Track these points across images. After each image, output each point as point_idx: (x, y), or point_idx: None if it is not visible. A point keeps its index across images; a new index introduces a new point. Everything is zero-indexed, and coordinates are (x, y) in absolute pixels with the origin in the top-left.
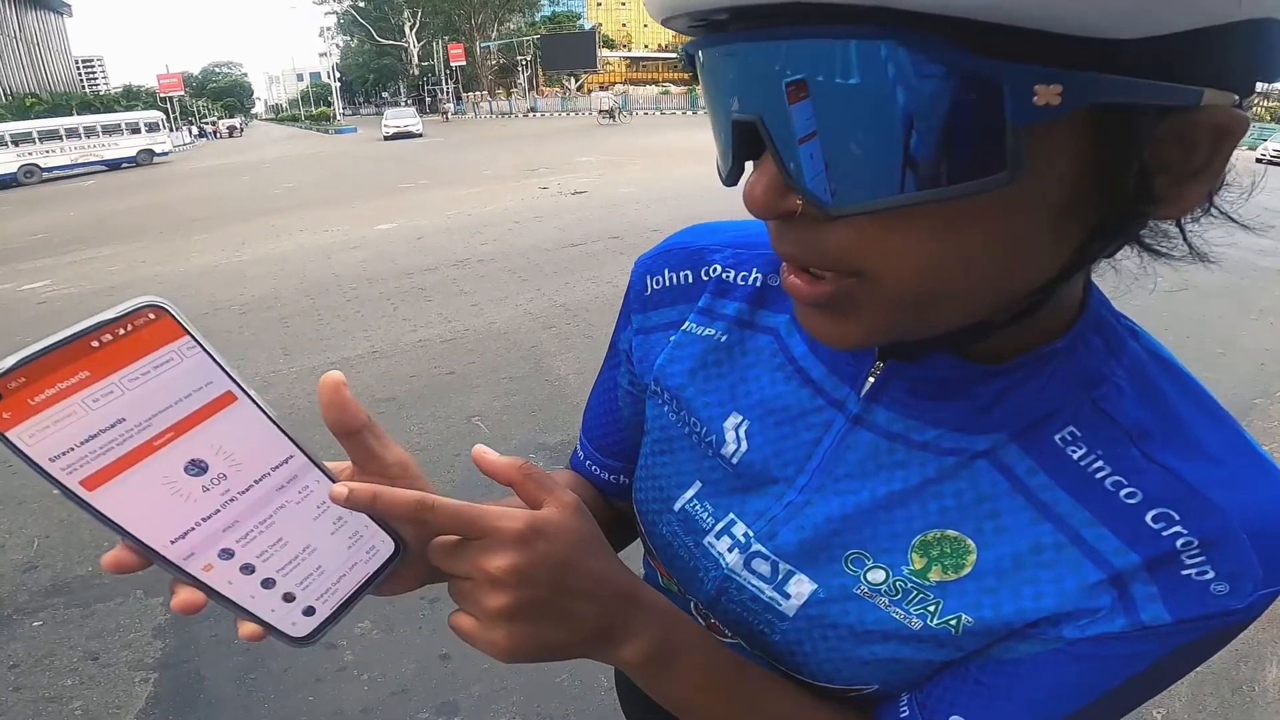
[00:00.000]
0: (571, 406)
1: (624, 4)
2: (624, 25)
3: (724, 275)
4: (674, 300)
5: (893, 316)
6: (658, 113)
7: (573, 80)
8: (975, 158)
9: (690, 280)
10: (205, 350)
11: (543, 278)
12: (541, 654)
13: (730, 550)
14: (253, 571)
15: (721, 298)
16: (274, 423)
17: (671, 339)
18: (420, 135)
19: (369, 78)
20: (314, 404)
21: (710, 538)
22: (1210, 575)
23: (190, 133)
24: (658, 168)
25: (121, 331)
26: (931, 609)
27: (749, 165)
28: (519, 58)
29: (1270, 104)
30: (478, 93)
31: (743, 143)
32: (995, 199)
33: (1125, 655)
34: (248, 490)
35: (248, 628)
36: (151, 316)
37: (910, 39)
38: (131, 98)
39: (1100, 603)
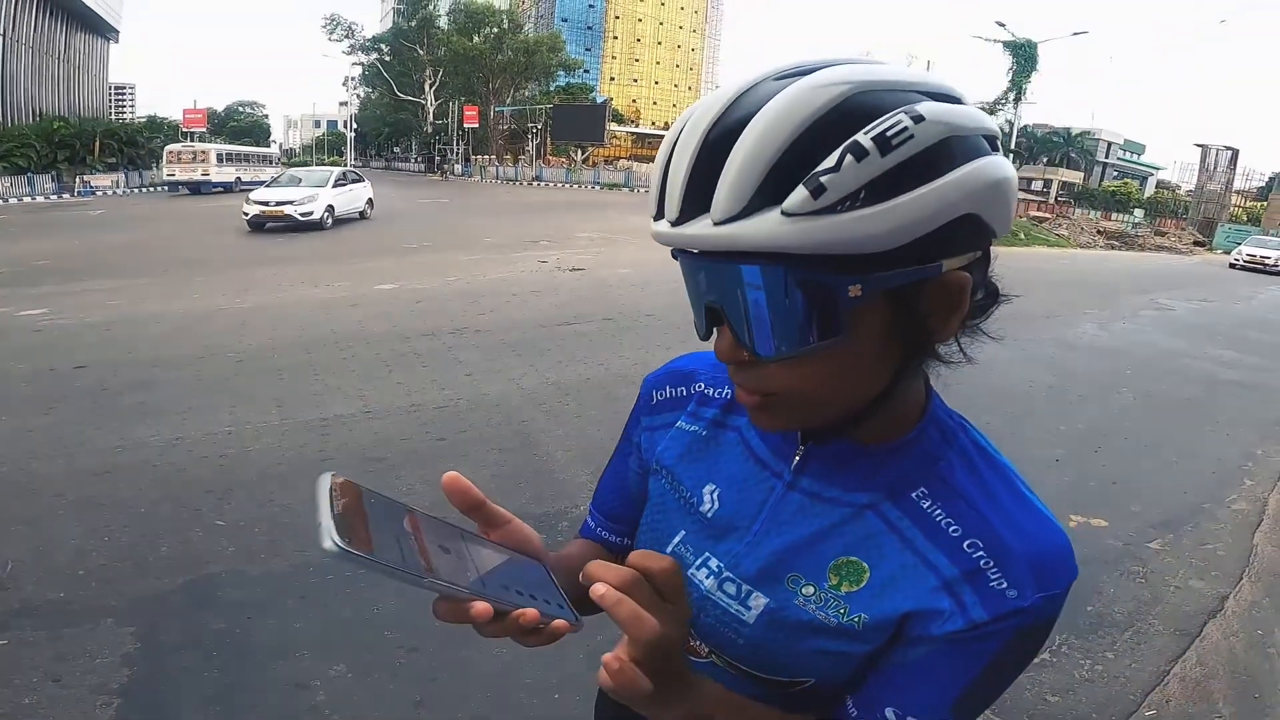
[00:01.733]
0: (558, 482)
1: (635, 81)
2: (634, 101)
3: (705, 390)
4: (671, 408)
5: (797, 413)
6: None
7: (579, 152)
8: (828, 328)
9: (684, 394)
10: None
11: (536, 354)
12: (634, 707)
13: (707, 578)
14: (488, 583)
15: (703, 406)
16: (438, 519)
17: (669, 434)
18: (319, 225)
19: (384, 131)
20: (301, 458)
21: (692, 570)
22: (1005, 585)
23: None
24: (653, 248)
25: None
26: (843, 611)
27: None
28: (530, 125)
29: (1248, 203)
30: (486, 156)
31: (710, 316)
32: (841, 348)
33: (975, 648)
34: (466, 553)
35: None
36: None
37: (788, 264)
38: (154, 129)
39: (942, 604)
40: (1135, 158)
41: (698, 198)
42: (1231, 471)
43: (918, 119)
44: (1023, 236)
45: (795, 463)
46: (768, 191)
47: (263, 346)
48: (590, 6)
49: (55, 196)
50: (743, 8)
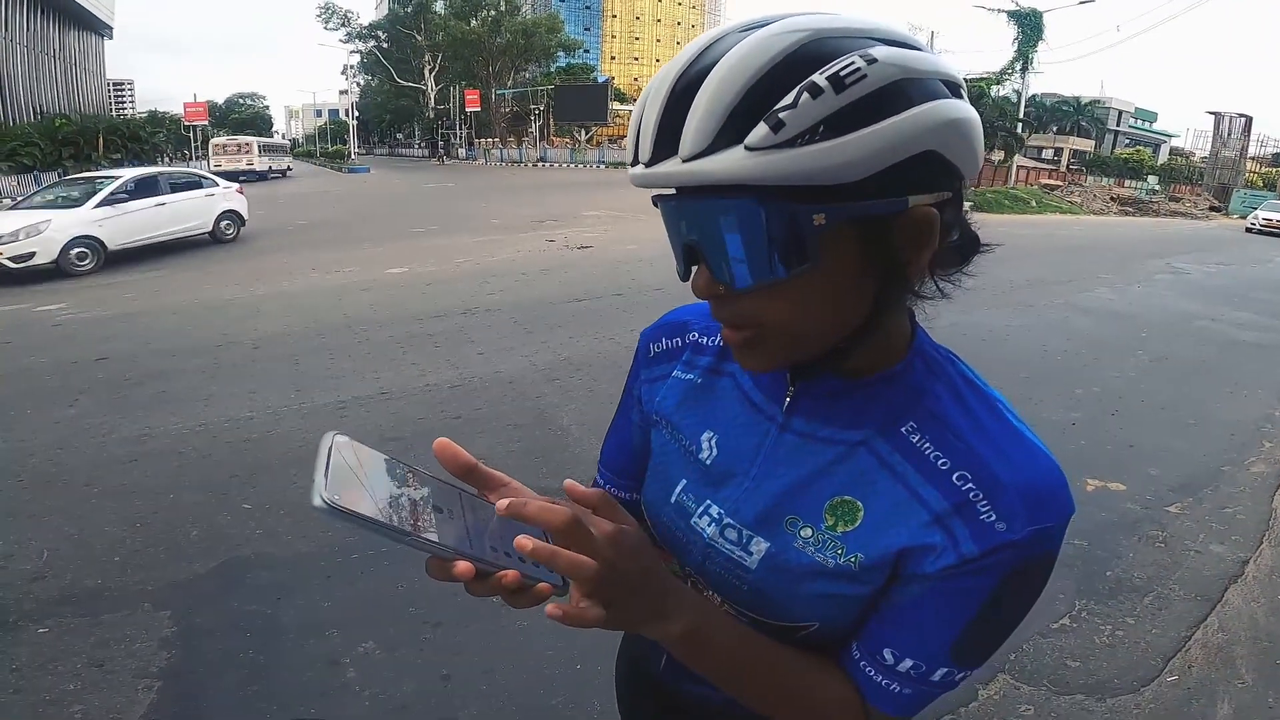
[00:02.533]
0: (573, 456)
1: (637, 59)
2: (635, 79)
3: (699, 339)
4: (668, 359)
5: (781, 348)
6: None
7: (582, 132)
8: (798, 255)
9: (679, 344)
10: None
11: (548, 330)
12: (616, 627)
13: (709, 526)
14: (473, 543)
15: (697, 354)
16: (440, 480)
17: (666, 384)
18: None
19: (385, 118)
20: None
21: (695, 519)
22: (994, 518)
23: (209, 163)
24: (660, 225)
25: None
26: (840, 551)
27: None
28: (532, 107)
29: (1263, 169)
30: (490, 139)
31: (689, 255)
32: (815, 276)
33: (969, 584)
34: (462, 514)
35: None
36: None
37: (755, 197)
38: (155, 124)
39: (934, 539)
40: (1148, 125)
41: (667, 140)
42: (1250, 434)
43: (870, 60)
44: (1034, 204)
45: (786, 404)
46: (731, 130)
47: (277, 333)
48: None
49: None
50: None
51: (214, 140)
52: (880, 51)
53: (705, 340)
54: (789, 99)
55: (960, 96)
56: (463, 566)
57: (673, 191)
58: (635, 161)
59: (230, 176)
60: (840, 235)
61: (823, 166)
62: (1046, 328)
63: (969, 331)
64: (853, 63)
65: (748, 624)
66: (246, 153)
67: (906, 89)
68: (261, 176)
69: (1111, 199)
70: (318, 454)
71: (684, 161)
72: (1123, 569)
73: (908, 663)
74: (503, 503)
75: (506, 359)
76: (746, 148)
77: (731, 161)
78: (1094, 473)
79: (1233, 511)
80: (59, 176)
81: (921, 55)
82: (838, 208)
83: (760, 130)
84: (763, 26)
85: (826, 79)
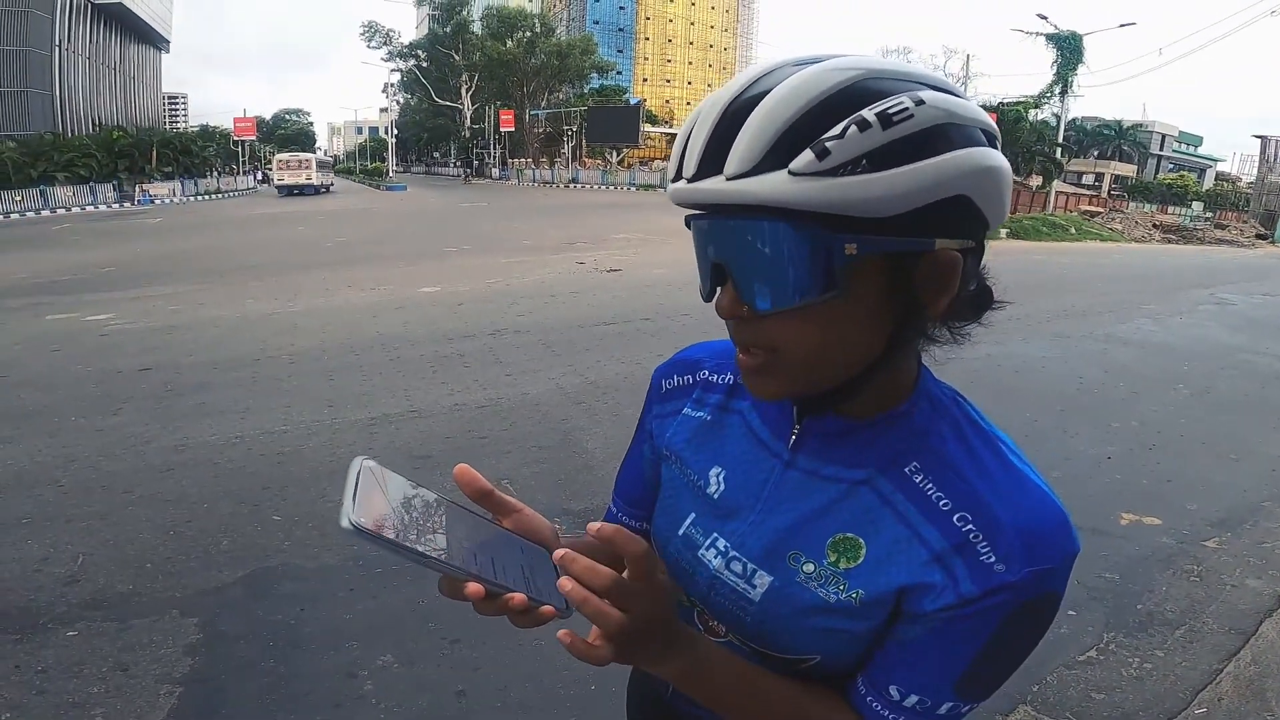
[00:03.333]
0: (597, 479)
1: (668, 82)
2: (667, 102)
3: (710, 377)
4: (679, 396)
5: (792, 376)
6: None
7: (614, 153)
8: (824, 283)
9: (690, 382)
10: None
11: (576, 353)
12: (626, 662)
13: (715, 558)
14: (483, 565)
15: (708, 392)
16: (458, 505)
17: (677, 421)
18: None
19: (423, 136)
20: (351, 456)
21: (702, 551)
22: (993, 559)
23: (255, 178)
24: (689, 249)
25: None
26: (842, 588)
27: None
28: (565, 128)
29: None
30: (522, 159)
31: (716, 274)
32: (837, 305)
33: (970, 625)
34: (478, 538)
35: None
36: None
37: (791, 221)
38: (207, 138)
39: (934, 578)
40: (1192, 150)
41: (714, 159)
42: None
43: (919, 102)
44: (1074, 231)
45: (792, 441)
46: (778, 154)
47: (313, 348)
48: (621, 8)
49: (116, 205)
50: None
51: (278, 156)
52: (928, 95)
53: (716, 378)
54: (837, 130)
55: (995, 146)
56: (473, 587)
57: (705, 212)
58: (678, 177)
59: (290, 189)
60: (868, 268)
61: (861, 198)
62: (1084, 359)
63: (1004, 363)
64: (902, 102)
65: (751, 655)
66: (306, 168)
67: (949, 133)
68: (316, 190)
69: (1154, 226)
70: (347, 477)
71: (728, 180)
72: (1154, 602)
73: (913, 698)
74: (558, 553)
75: (534, 381)
76: (790, 172)
77: (774, 184)
78: (1129, 506)
79: (1271, 546)
80: (114, 189)
81: (965, 103)
82: (870, 240)
83: (806, 156)
84: (817, 62)
85: (875, 115)
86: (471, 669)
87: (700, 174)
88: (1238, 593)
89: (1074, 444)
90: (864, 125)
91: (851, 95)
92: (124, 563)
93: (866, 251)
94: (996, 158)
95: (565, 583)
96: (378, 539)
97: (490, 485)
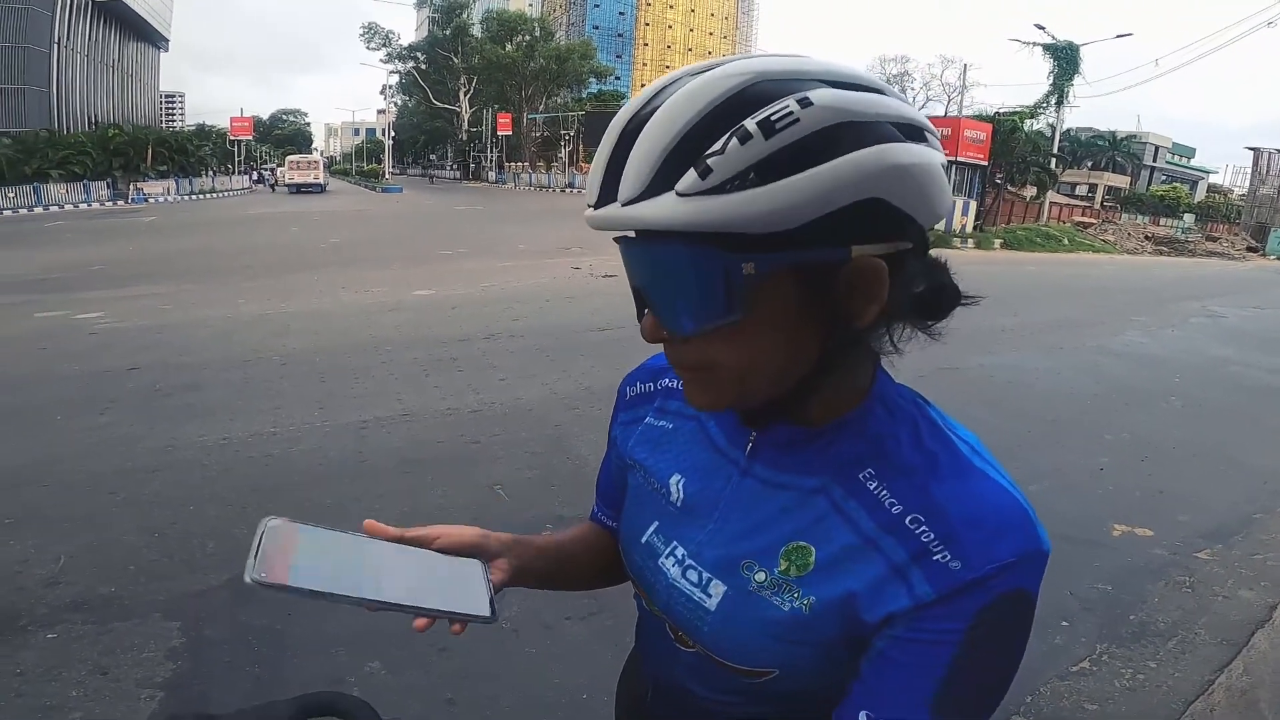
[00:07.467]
0: (588, 484)
1: None
2: None
3: (670, 384)
4: (642, 404)
5: (724, 389)
6: None
7: None
8: (728, 304)
9: (651, 389)
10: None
11: (570, 359)
12: None
13: (674, 566)
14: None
15: (668, 399)
16: (375, 540)
17: (640, 429)
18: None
19: (420, 139)
20: (345, 457)
21: (662, 559)
22: (949, 558)
23: (250, 178)
24: None
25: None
26: (794, 596)
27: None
28: (563, 132)
29: None
30: (519, 163)
31: (639, 299)
32: (754, 323)
33: (934, 635)
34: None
35: (420, 622)
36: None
37: (687, 243)
38: (203, 138)
39: (888, 585)
40: (1185, 161)
41: (612, 183)
42: None
43: (805, 104)
44: (1067, 242)
45: (748, 449)
46: (666, 174)
47: (305, 350)
48: (621, 14)
49: (110, 203)
50: (774, 14)
51: (289, 158)
52: (819, 95)
53: (676, 384)
54: (718, 145)
55: (922, 141)
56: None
57: (632, 234)
58: (591, 203)
59: (299, 188)
60: (776, 284)
61: (752, 213)
62: (1076, 370)
63: (996, 374)
64: (785, 107)
65: (717, 669)
66: (314, 168)
67: (844, 133)
68: (319, 189)
69: (1146, 238)
70: (254, 536)
71: (622, 206)
72: (1147, 613)
73: None
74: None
75: (527, 386)
76: (678, 193)
77: (664, 207)
78: (1121, 518)
79: (1263, 558)
80: (108, 186)
81: (868, 98)
82: (770, 256)
83: (690, 176)
84: (714, 69)
85: (756, 124)
86: (461, 677)
87: (601, 200)
88: (1230, 604)
89: (1066, 455)
90: (745, 137)
91: (738, 103)
92: (107, 565)
93: (767, 269)
94: (914, 152)
95: (422, 623)
96: (285, 589)
97: (398, 532)
